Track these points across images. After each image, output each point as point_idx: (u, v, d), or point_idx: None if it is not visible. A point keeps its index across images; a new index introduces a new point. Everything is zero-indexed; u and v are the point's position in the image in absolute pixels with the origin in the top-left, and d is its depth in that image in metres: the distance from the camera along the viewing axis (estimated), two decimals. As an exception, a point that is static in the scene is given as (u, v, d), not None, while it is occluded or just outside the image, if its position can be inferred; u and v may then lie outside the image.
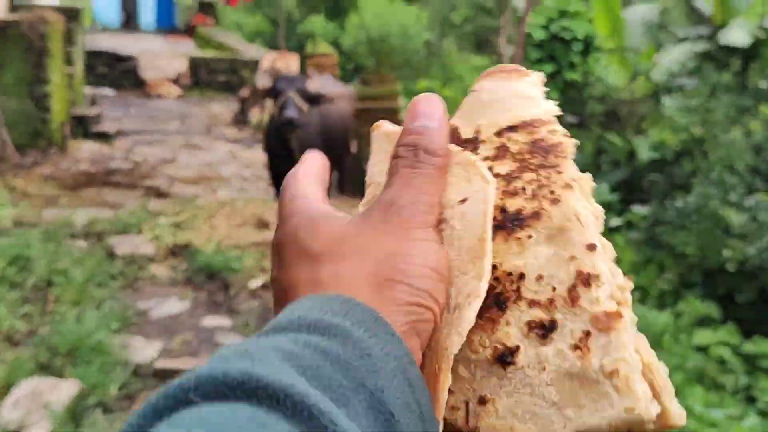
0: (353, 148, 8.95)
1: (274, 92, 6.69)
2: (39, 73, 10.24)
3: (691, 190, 8.54)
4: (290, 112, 6.46)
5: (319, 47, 15.95)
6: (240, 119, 14.35)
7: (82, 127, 11.71)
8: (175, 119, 14.18)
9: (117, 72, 17.17)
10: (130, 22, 29.97)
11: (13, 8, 12.04)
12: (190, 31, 27.55)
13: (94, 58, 17.01)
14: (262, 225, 5.94)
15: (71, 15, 12.31)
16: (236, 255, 5.38)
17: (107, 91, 16.61)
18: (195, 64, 17.49)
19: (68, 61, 12.00)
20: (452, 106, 0.62)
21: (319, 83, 7.05)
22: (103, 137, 11.80)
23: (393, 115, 9.54)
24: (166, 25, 29.98)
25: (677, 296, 7.22)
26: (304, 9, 29.84)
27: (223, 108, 15.71)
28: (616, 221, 13.21)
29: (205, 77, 17.50)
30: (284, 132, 6.70)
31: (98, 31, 27.21)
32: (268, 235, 5.80)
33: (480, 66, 30.63)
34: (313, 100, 6.85)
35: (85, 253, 5.30)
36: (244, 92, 14.63)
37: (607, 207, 13.52)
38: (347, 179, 8.60)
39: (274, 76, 6.77)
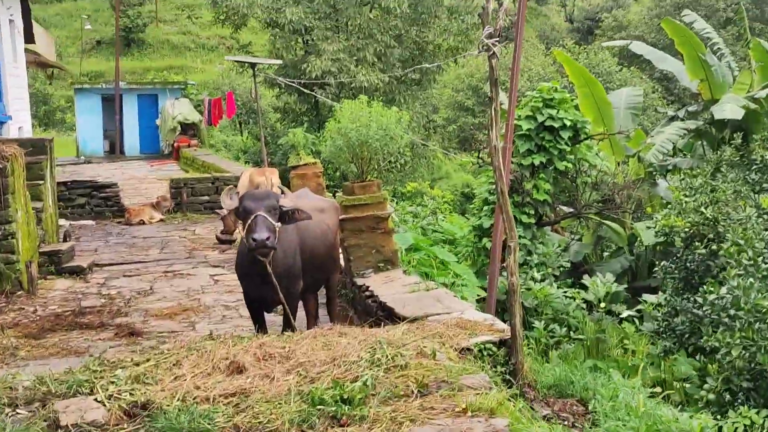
0: (341, 263, 8.18)
1: (241, 213, 6.00)
2: (0, 213, 9.55)
3: (718, 278, 7.80)
4: (260, 234, 5.74)
5: (302, 158, 15.47)
6: (224, 240, 13.64)
7: (53, 264, 10.96)
8: (155, 246, 13.46)
9: (98, 201, 16.57)
10: (114, 150, 29.76)
11: (-24, 145, 11.48)
12: (174, 153, 27.28)
13: (73, 188, 16.47)
14: (236, 370, 5.09)
15: (38, 148, 11.76)
16: (205, 412, 4.52)
17: (86, 222, 15.98)
18: (177, 186, 16.93)
19: (36, 196, 11.36)
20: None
21: (293, 198, 6.36)
22: (77, 273, 11.03)
23: (381, 223, 8.82)
24: (151, 150, 29.77)
25: (724, 405, 6.32)
26: (286, 122, 29.78)
27: (207, 229, 15.03)
28: (626, 312, 12.34)
29: (188, 199, 16.90)
30: (256, 256, 5.96)
31: (81, 162, 26.91)
32: (243, 382, 4.95)
33: (466, 163, 30.17)
34: (287, 217, 6.14)
35: (23, 428, 4.43)
36: (224, 211, 13.97)
37: (613, 298, 12.67)
38: (335, 300, 7.79)
39: (241, 195, 6.10)
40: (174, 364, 5.31)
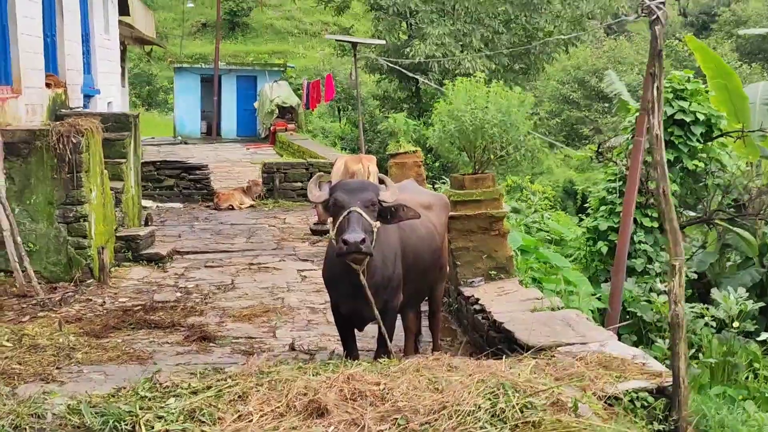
0: (447, 269, 6.88)
1: (331, 207, 4.82)
2: (72, 192, 8.70)
3: None
4: (353, 235, 4.54)
5: (402, 146, 14.32)
6: (317, 231, 12.57)
7: (131, 250, 10.10)
8: (242, 234, 12.51)
9: (187, 183, 15.81)
10: (211, 131, 29.34)
11: (57, 117, 10.75)
12: (271, 138, 26.57)
13: (162, 169, 15.77)
14: (315, 411, 3.90)
15: (122, 124, 10.93)
16: (271, 474, 3.35)
17: (174, 205, 15.24)
18: (269, 171, 16.01)
19: (117, 175, 10.55)
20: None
21: (395, 191, 5.11)
22: (155, 261, 10.15)
23: (495, 223, 7.50)
24: (248, 133, 29.20)
25: None
26: (386, 110, 28.65)
27: (298, 219, 14.02)
28: (765, 334, 10.69)
29: (281, 185, 15.96)
30: (346, 262, 4.77)
31: (177, 143, 26.51)
32: (323, 430, 3.75)
33: (579, 158, 28.29)
34: (389, 214, 4.92)
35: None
36: (318, 200, 12.90)
37: (739, 316, 10.92)
38: (439, 314, 6.52)
39: (333, 185, 4.92)
40: (239, 396, 4.17)
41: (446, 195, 7.80)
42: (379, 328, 5.16)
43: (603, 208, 13.90)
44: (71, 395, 4.44)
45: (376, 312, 4.98)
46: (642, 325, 10.38)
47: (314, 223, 12.66)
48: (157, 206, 14.89)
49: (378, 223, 4.77)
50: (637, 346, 7.01)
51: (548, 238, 16.07)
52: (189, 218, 13.98)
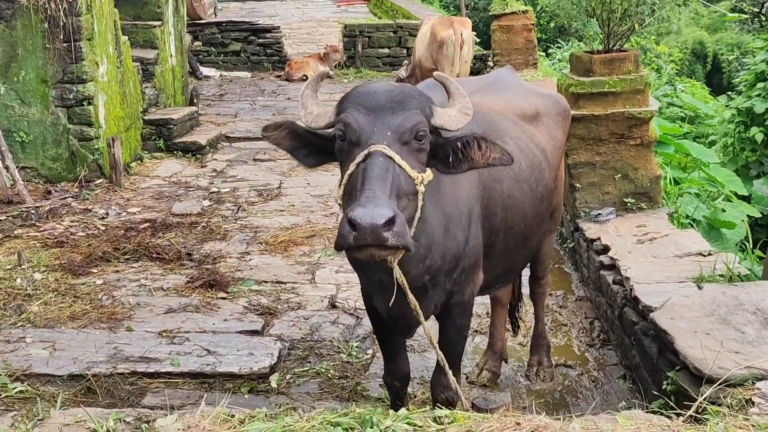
0: (559, 225, 4.46)
1: (338, 140, 2.42)
2: (71, 67, 6.70)
3: None
4: (369, 212, 2.16)
5: (509, 4, 11.70)
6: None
7: (162, 137, 8.16)
8: (309, 114, 10.36)
9: (255, 48, 13.62)
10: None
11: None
12: (364, -7, 23.78)
13: (227, 31, 13.60)
14: None
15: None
16: None
17: (240, 74, 13.16)
18: (350, 35, 13.61)
19: (149, 42, 8.48)
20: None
21: (466, 104, 2.59)
22: (192, 152, 8.19)
23: (637, 128, 5.09)
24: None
25: None
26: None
27: (380, 94, 11.71)
28: None
29: (363, 51, 13.58)
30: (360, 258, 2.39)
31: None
32: None
33: (730, 18, 24.03)
34: (451, 155, 2.50)
35: None
36: (402, 72, 10.56)
37: None
38: (547, 282, 4.22)
39: (343, 97, 2.60)
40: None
41: (564, 84, 5.34)
42: (432, 343, 2.90)
43: (760, 85, 10.98)
44: None
45: (425, 326, 2.74)
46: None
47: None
48: (220, 75, 12.87)
49: (427, 175, 2.48)
50: None
51: (681, 114, 13.30)
52: (253, 91, 11.90)
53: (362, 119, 2.46)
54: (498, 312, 4.08)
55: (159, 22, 8.70)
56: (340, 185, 2.50)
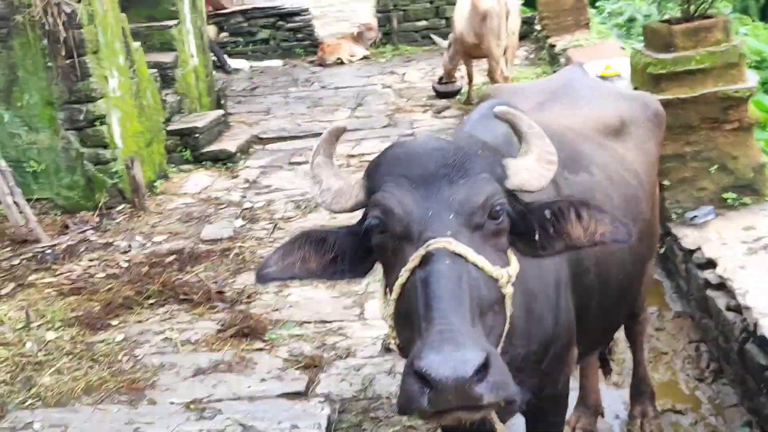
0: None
1: (375, 229, 1.60)
2: (77, 85, 6.06)
3: None
4: (450, 359, 1.34)
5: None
6: (442, 91, 9.49)
7: (188, 147, 7.51)
8: (346, 103, 9.63)
9: (284, 34, 12.87)
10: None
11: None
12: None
13: (253, 18, 12.89)
14: None
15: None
16: None
17: (271, 63, 12.45)
18: (383, 10, 12.77)
19: (165, 44, 7.82)
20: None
21: (547, 149, 1.68)
22: (222, 160, 7.53)
23: (733, 109, 4.23)
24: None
25: None
26: None
27: (421, 73, 10.91)
28: None
29: (399, 26, 12.74)
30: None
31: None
32: None
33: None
34: (536, 228, 1.62)
35: None
36: (444, 44, 9.67)
37: None
38: (645, 328, 3.41)
39: (371, 164, 1.80)
40: None
41: (639, 63, 4.47)
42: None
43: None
44: None
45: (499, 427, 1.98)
46: None
47: (439, 80, 9.54)
48: (251, 66, 12.18)
49: (513, 267, 1.74)
50: None
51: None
52: (286, 81, 11.18)
53: (408, 199, 1.68)
54: (585, 398, 3.32)
55: (175, 21, 8.02)
56: (385, 297, 1.74)
